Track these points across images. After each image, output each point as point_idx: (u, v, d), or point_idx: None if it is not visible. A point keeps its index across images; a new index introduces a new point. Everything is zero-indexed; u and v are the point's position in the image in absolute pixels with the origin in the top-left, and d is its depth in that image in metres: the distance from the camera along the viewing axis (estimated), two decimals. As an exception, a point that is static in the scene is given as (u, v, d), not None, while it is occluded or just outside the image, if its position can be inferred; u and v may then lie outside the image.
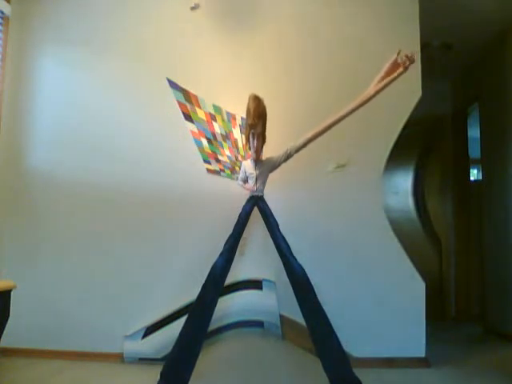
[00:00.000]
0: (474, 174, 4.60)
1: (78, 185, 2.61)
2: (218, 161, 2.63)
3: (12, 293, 1.94)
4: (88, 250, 2.58)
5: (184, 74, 2.64)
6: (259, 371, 2.22)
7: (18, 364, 2.35)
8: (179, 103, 2.60)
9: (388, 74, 1.91)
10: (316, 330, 1.85)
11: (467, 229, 3.99)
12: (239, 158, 2.63)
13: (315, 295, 1.87)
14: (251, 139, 1.94)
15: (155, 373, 1.83)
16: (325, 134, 1.99)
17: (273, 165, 2.08)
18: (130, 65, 2.68)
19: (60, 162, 2.64)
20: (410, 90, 2.49)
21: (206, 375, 2.06)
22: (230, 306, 2.48)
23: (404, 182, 4.23)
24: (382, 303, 2.43)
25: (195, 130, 2.62)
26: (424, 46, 2.65)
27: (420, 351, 2.40)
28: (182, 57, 2.67)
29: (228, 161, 2.63)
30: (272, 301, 2.50)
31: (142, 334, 2.47)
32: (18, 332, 2.29)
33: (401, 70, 1.88)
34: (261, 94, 1.92)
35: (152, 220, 2.58)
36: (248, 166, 2.12)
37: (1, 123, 2.60)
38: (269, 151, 2.10)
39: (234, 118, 2.63)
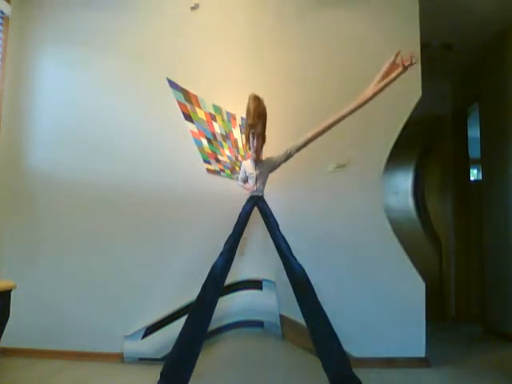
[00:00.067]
0: (474, 174, 4.60)
1: (78, 185, 2.61)
2: (218, 161, 2.63)
3: (12, 293, 1.94)
4: (88, 250, 2.58)
5: (184, 74, 2.64)
6: (259, 371, 2.22)
7: (18, 364, 2.34)
8: (179, 103, 2.60)
9: (386, 74, 1.91)
10: (316, 330, 1.85)
11: (467, 229, 3.99)
12: (239, 157, 2.63)
13: (315, 295, 1.86)
14: (251, 139, 1.94)
15: (155, 373, 1.83)
16: (325, 134, 1.99)
17: (273, 165, 2.08)
18: (130, 65, 2.68)
19: (60, 162, 2.64)
20: (410, 90, 2.49)
21: (205, 375, 2.06)
22: (229, 306, 2.48)
23: (404, 181, 4.22)
24: (382, 303, 2.43)
25: (195, 130, 2.62)
26: (424, 46, 2.64)
27: (420, 351, 2.40)
28: (181, 57, 2.67)
29: (228, 161, 2.63)
30: (272, 301, 2.50)
31: (142, 334, 2.47)
32: (17, 332, 2.29)
33: (400, 70, 1.88)
34: (261, 94, 1.91)
35: (152, 220, 2.58)
36: (248, 165, 2.12)
37: (1, 123, 2.60)
38: (269, 151, 2.10)
39: (234, 118, 2.63)
